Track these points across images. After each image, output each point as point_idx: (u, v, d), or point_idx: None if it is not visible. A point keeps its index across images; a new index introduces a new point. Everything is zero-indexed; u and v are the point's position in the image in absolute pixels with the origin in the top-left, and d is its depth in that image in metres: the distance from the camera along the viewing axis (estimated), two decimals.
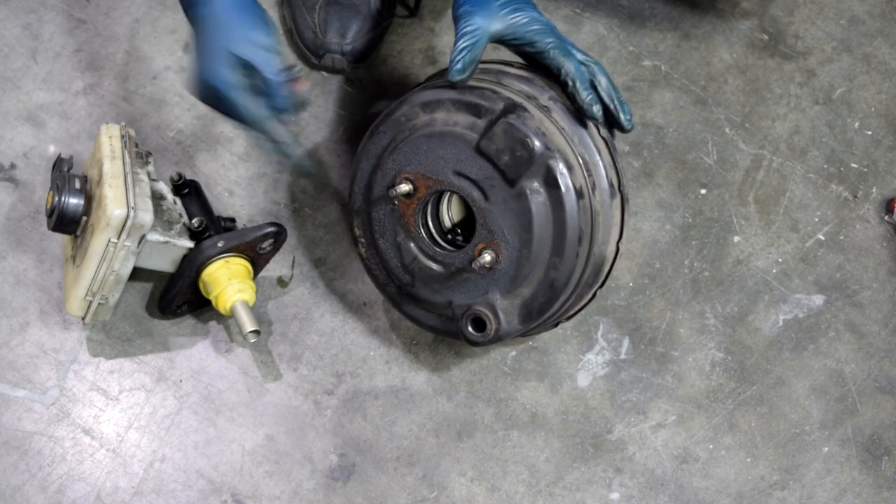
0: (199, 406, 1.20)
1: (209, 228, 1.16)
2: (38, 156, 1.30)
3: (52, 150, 1.30)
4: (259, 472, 1.17)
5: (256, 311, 1.21)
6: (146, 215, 1.07)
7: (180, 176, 1.20)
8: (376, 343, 1.24)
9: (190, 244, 1.14)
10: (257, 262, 1.20)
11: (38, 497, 1.15)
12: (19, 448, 1.17)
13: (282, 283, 1.26)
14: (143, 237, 1.08)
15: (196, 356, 1.22)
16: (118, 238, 1.06)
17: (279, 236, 1.18)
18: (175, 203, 1.19)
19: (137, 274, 1.18)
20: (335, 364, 1.23)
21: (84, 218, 1.11)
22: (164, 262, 1.15)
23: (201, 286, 1.16)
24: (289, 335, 1.24)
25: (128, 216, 1.05)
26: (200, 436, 1.19)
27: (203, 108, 1.34)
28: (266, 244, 1.18)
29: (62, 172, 1.12)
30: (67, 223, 1.11)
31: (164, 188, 1.20)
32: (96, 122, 1.32)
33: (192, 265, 1.14)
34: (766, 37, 1.41)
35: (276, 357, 1.22)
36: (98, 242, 1.06)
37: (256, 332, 1.13)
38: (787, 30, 1.41)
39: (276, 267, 1.27)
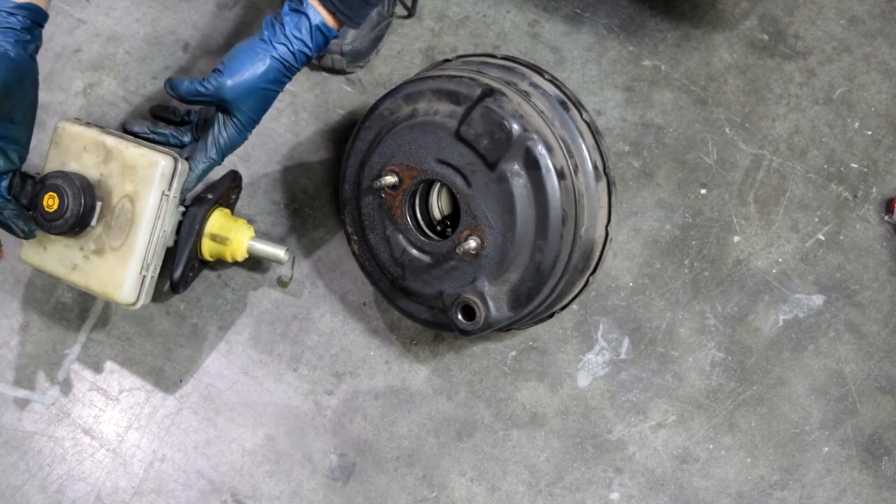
0: (199, 406, 1.20)
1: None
2: (38, 156, 1.30)
3: None
4: (259, 472, 1.17)
5: (257, 309, 1.21)
6: (181, 154, 1.11)
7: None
8: (376, 343, 1.24)
9: (182, 208, 1.17)
10: (229, 209, 1.25)
11: (38, 497, 1.15)
12: (19, 448, 1.17)
13: (282, 283, 1.26)
14: (184, 184, 1.12)
15: (196, 356, 1.22)
16: (170, 189, 1.09)
17: (240, 180, 1.26)
18: None
19: None
20: (335, 364, 1.23)
21: (99, 205, 1.10)
22: (172, 232, 1.16)
23: (206, 243, 1.18)
24: (289, 335, 1.24)
25: (176, 160, 1.08)
26: (200, 436, 1.19)
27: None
28: (234, 192, 1.24)
29: (53, 177, 1.09)
30: (87, 214, 1.09)
31: None
32: (97, 123, 1.32)
33: (193, 224, 1.16)
34: (766, 37, 1.41)
35: (276, 357, 1.22)
36: (150, 203, 1.08)
37: (287, 249, 1.19)
38: (787, 30, 1.41)
39: (277, 267, 1.27)
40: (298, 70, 1.10)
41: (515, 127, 1.01)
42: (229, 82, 1.08)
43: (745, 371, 1.24)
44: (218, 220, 1.18)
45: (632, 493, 1.18)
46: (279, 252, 1.19)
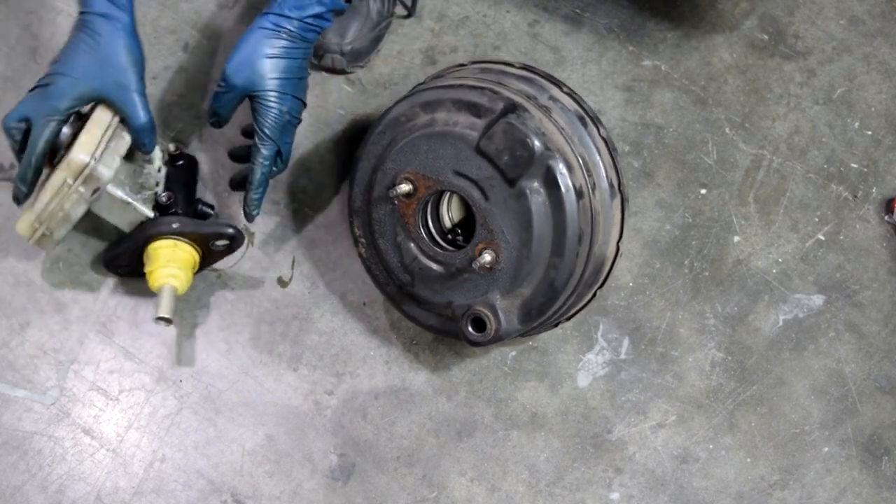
0: (199, 406, 1.20)
1: (176, 205, 1.16)
2: None
3: None
4: (259, 472, 1.17)
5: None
6: (106, 170, 1.08)
7: (178, 149, 1.21)
8: (376, 343, 1.24)
9: (149, 213, 1.15)
10: (208, 257, 1.20)
11: (38, 497, 1.15)
12: (19, 448, 1.17)
13: (282, 283, 1.26)
14: (97, 189, 1.09)
15: (196, 356, 1.22)
16: (73, 181, 1.07)
17: (234, 240, 1.18)
18: (159, 171, 1.19)
19: (100, 225, 1.19)
20: (335, 364, 1.23)
21: (61, 152, 1.10)
22: (122, 220, 1.15)
23: (144, 257, 1.17)
24: (289, 335, 1.24)
25: (87, 164, 1.06)
26: (200, 436, 1.19)
27: (203, 108, 1.35)
28: (220, 243, 1.18)
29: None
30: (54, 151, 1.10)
31: (157, 154, 1.20)
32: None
33: (142, 233, 1.15)
34: (766, 37, 1.41)
35: (276, 357, 1.23)
36: (57, 178, 1.08)
37: (167, 320, 1.11)
38: (787, 30, 1.41)
39: (277, 267, 1.27)
40: (299, 31, 1.10)
41: (538, 145, 1.01)
42: (229, 66, 1.09)
43: (745, 371, 1.24)
44: (159, 249, 1.14)
45: (632, 493, 1.18)
46: (159, 311, 1.11)
